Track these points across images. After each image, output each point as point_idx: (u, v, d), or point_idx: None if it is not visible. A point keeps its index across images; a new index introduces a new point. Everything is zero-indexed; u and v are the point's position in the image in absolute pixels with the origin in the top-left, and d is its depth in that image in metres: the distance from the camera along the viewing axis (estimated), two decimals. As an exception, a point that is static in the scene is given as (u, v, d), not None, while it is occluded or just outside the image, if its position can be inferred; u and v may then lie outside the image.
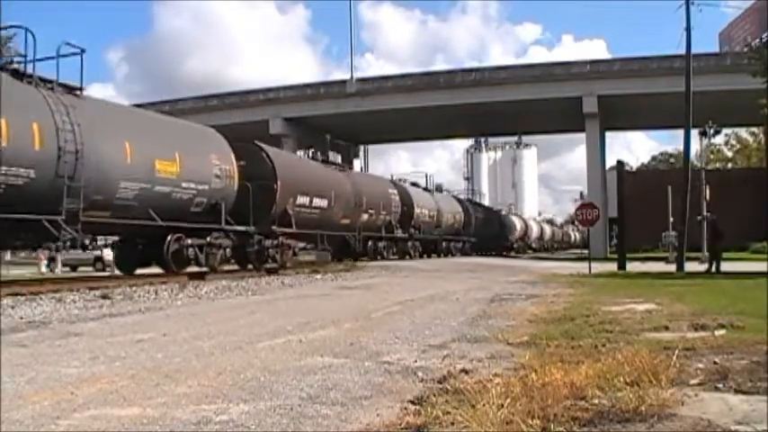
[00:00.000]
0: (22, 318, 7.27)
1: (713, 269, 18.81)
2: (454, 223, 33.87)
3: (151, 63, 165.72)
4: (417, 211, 27.85)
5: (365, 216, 22.52)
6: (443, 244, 32.34)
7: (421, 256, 29.46)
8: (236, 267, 16.60)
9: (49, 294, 9.65)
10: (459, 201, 37.91)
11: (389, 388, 3.83)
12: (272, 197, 16.36)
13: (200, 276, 13.88)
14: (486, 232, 40.30)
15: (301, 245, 18.68)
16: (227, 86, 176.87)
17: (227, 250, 15.19)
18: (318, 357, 4.83)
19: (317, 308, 8.83)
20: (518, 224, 52.39)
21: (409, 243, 27.30)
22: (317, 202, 18.76)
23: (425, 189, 32.26)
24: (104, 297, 9.50)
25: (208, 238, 14.47)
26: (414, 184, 31.15)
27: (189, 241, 14.00)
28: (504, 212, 52.53)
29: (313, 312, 8.09)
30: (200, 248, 14.28)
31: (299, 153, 30.20)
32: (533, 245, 58.44)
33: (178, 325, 6.78)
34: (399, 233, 25.82)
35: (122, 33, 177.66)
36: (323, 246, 20.26)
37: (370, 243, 23.43)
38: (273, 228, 16.55)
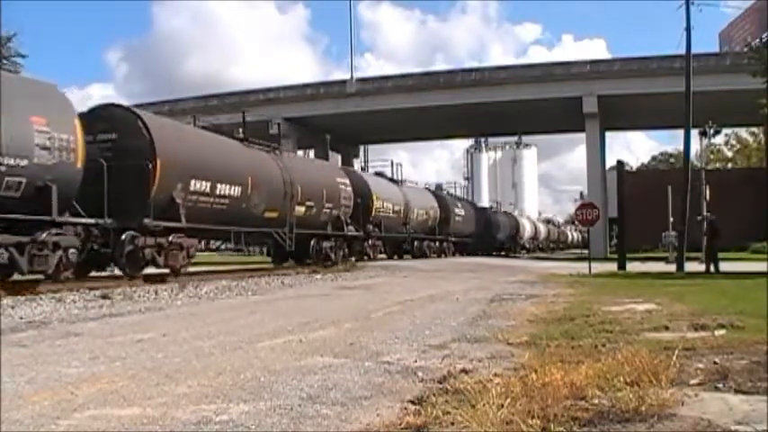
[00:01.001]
0: (22, 318, 7.27)
1: (712, 269, 18.81)
2: (428, 220, 29.92)
3: (151, 63, 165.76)
4: (377, 204, 23.51)
5: (301, 209, 18.07)
6: (416, 243, 28.75)
7: (390, 257, 27.09)
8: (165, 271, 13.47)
9: (49, 294, 9.65)
10: (437, 195, 33.72)
11: (389, 388, 3.83)
12: (147, 180, 12.41)
13: (27, 289, 10.10)
14: (471, 231, 37.18)
15: (197, 244, 14.91)
16: (227, 86, 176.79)
17: (71, 252, 10.90)
18: (318, 357, 4.83)
19: (317, 308, 8.84)
20: (508, 222, 49.01)
21: (369, 242, 23.39)
22: (224, 189, 14.50)
23: (391, 180, 28.35)
24: (104, 297, 9.50)
25: (40, 235, 10.33)
26: (379, 174, 28.01)
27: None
28: (493, 209, 50.01)
29: (313, 312, 8.09)
30: (18, 249, 10.01)
31: (299, 153, 29.84)
32: (526, 245, 55.05)
33: (178, 325, 6.78)
34: (351, 230, 21.02)
35: (122, 33, 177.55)
36: (239, 245, 17.59)
37: (313, 242, 18.97)
38: (146, 221, 12.36)
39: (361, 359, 4.75)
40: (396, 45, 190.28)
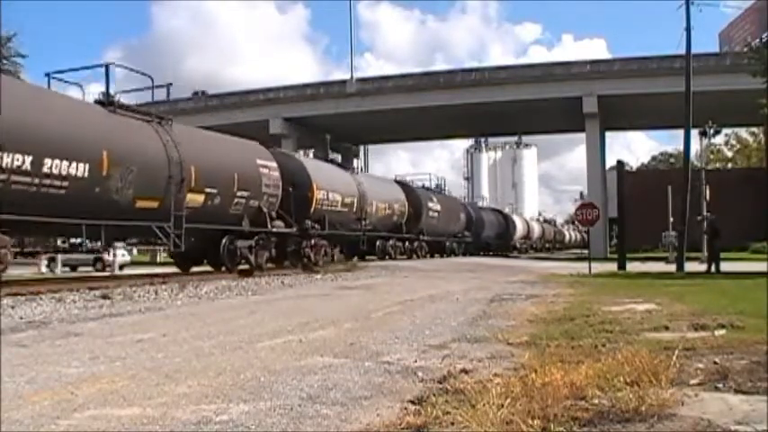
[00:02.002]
0: (22, 318, 7.26)
1: (713, 269, 18.81)
2: (392, 215, 25.45)
3: (150, 63, 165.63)
4: (320, 195, 19.05)
5: (197, 198, 13.81)
6: (378, 243, 24.39)
7: (349, 259, 22.59)
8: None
9: (49, 294, 9.65)
10: (405, 187, 28.89)
11: (389, 388, 3.83)
12: None
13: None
14: (450, 229, 33.35)
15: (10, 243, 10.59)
16: (227, 86, 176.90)
17: None
18: (318, 357, 4.83)
19: (317, 308, 8.83)
20: (496, 220, 45.21)
21: (312, 241, 18.81)
22: (59, 166, 10.64)
23: (340, 166, 24.06)
24: (104, 297, 9.50)
25: None
26: (330, 161, 23.74)
27: None
28: (480, 206, 46.77)
29: (313, 312, 8.09)
30: None
31: (300, 152, 29.31)
32: (518, 245, 50.70)
33: (178, 325, 6.78)
34: (280, 226, 16.91)
35: (121, 33, 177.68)
36: (91, 242, 13.70)
37: (225, 241, 14.95)
38: None
39: (361, 359, 4.75)
40: (395, 45, 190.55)
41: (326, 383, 3.92)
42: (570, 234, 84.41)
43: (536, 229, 60.78)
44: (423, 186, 33.10)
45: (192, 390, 3.76)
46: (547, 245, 66.17)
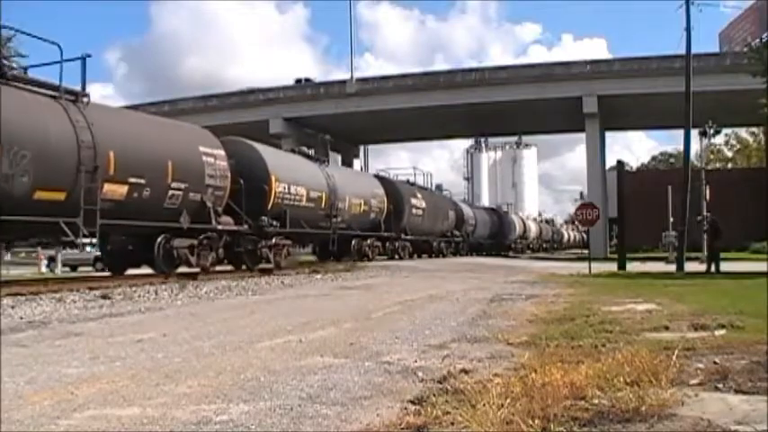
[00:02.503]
0: (22, 318, 7.27)
1: (713, 269, 18.81)
2: (369, 213, 23.11)
3: (150, 63, 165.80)
4: (279, 188, 16.79)
5: (118, 189, 11.96)
6: (354, 242, 21.94)
7: (322, 260, 21.25)
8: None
9: (49, 294, 9.65)
10: (384, 181, 26.23)
11: (389, 388, 3.83)
12: None
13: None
14: (436, 227, 31.08)
15: None
16: (227, 86, 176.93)
17: None
18: (318, 357, 4.83)
19: (317, 308, 8.83)
20: (489, 219, 42.81)
21: (273, 240, 16.69)
22: None
23: (308, 157, 20.72)
24: (104, 297, 9.50)
25: None
26: (297, 152, 20.91)
27: None
28: (472, 204, 43.75)
29: (313, 312, 8.09)
30: None
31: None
32: (513, 245, 48.60)
33: (178, 325, 6.78)
34: (228, 223, 14.85)
35: (121, 33, 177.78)
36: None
37: (160, 240, 13.19)
38: None
39: (361, 359, 4.75)
40: (395, 45, 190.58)
41: (326, 383, 3.92)
42: (569, 234, 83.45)
43: (533, 229, 58.54)
44: (407, 181, 30.35)
45: (192, 390, 3.76)
46: (544, 245, 64.01)
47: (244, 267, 16.15)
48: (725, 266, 18.93)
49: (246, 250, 16.01)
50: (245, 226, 15.41)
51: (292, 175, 17.97)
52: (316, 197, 18.96)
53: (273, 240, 16.70)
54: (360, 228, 22.28)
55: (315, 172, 19.83)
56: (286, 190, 17.24)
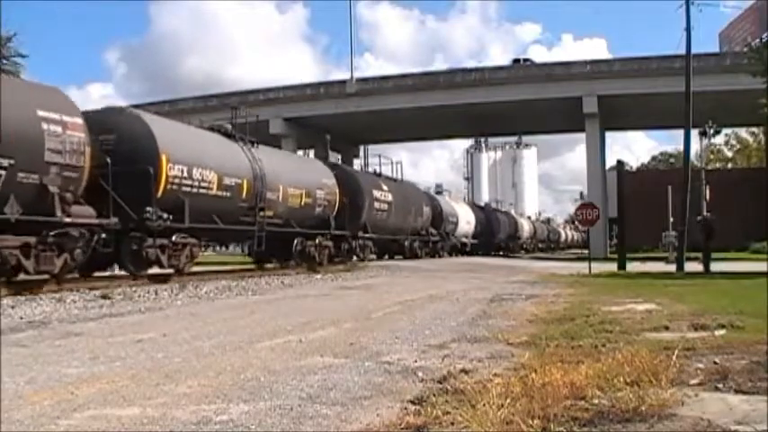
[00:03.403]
0: (22, 318, 7.27)
1: (711, 268, 18.84)
2: (314, 206, 18.90)
3: (150, 63, 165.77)
4: (174, 172, 13.03)
5: None
6: (297, 242, 18.11)
7: (260, 265, 18.44)
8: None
9: (49, 294, 9.65)
10: (340, 171, 22.20)
11: (389, 388, 3.83)
12: None
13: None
14: (410, 225, 27.24)
15: None
16: (227, 86, 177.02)
17: None
18: (318, 357, 4.83)
19: (317, 308, 8.84)
20: (475, 217, 38.75)
21: (175, 239, 13.25)
22: None
23: (226, 135, 16.18)
24: (104, 297, 9.50)
25: None
26: (215, 129, 16.22)
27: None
28: (448, 199, 37.60)
29: (313, 312, 8.09)
30: None
31: (299, 153, 28.25)
32: (503, 245, 45.18)
33: (178, 325, 6.78)
34: (85, 215, 11.19)
35: (120, 33, 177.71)
36: None
37: None
38: None
39: (361, 359, 4.75)
40: (395, 45, 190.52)
41: (326, 383, 3.93)
42: (566, 233, 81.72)
43: (526, 228, 54.71)
44: (373, 172, 27.02)
45: (192, 390, 3.76)
46: (540, 245, 60.75)
47: (126, 273, 12.83)
48: (724, 266, 18.95)
49: (130, 251, 12.42)
50: (115, 219, 11.66)
51: (196, 155, 14.03)
52: (233, 185, 15.04)
53: (174, 238, 13.23)
54: (302, 224, 18.23)
55: (233, 153, 15.70)
56: (184, 174, 13.37)
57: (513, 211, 58.78)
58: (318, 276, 15.84)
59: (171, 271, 13.39)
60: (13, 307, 8.05)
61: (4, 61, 23.41)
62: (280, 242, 17.50)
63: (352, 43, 69.39)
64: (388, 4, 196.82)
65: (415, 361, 4.68)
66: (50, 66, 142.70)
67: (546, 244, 64.45)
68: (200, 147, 14.61)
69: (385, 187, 25.04)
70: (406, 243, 27.09)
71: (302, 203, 18.29)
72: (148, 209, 12.36)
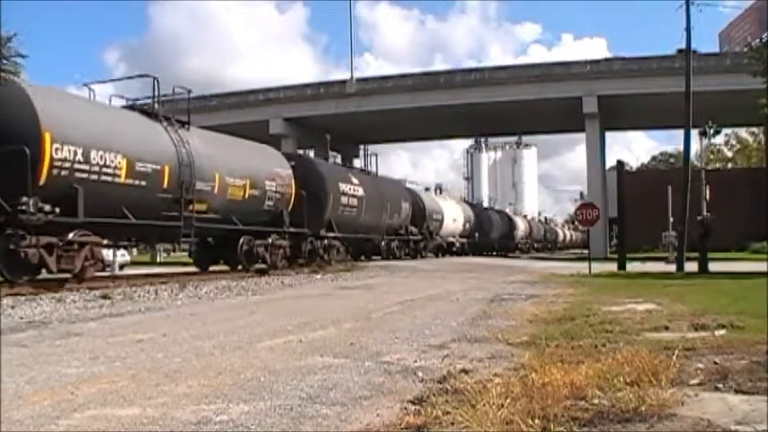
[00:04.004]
0: (22, 318, 7.27)
1: (706, 267, 18.86)
2: (263, 200, 16.22)
3: (149, 63, 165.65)
4: (64, 154, 10.71)
5: None
6: (242, 241, 15.55)
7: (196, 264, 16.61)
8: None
9: (49, 294, 9.64)
10: (300, 161, 19.68)
11: (389, 388, 3.83)
12: None
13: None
14: (385, 223, 24.31)
15: None
16: (227, 86, 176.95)
17: None
18: (318, 357, 4.83)
19: (317, 308, 8.83)
20: (464, 214, 36.18)
21: (59, 237, 10.71)
22: None
23: (142, 112, 13.79)
24: (104, 297, 9.50)
25: None
26: (133, 107, 14.05)
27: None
28: (434, 196, 34.83)
29: (313, 312, 8.09)
30: None
31: (299, 152, 27.70)
32: (496, 245, 42.70)
33: (178, 325, 6.78)
34: None
35: (120, 33, 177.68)
36: None
37: None
38: None
39: (361, 359, 4.75)
40: (394, 45, 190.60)
41: (326, 383, 3.92)
42: (564, 233, 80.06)
43: (521, 227, 51.75)
44: (343, 164, 24.85)
45: (192, 390, 3.76)
46: (536, 245, 58.15)
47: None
48: (722, 267, 18.96)
49: (4, 252, 10.01)
50: None
51: (97, 134, 11.62)
52: (149, 172, 12.58)
53: (71, 236, 10.94)
54: (247, 221, 15.46)
55: (152, 134, 13.11)
56: (78, 157, 11.01)
57: (508, 210, 57.19)
58: (318, 276, 15.83)
59: (67, 276, 11.14)
60: (13, 307, 8.05)
61: (4, 61, 23.42)
62: (227, 242, 15.57)
63: (351, 43, 69.54)
64: (387, 3, 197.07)
65: (415, 361, 4.68)
66: (50, 66, 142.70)
67: (543, 244, 62.29)
68: (104, 125, 12.04)
69: (355, 180, 22.19)
70: (383, 243, 24.36)
71: (246, 196, 15.56)
72: (24, 199, 10.10)
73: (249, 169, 15.92)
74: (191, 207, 13.50)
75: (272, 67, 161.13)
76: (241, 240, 15.62)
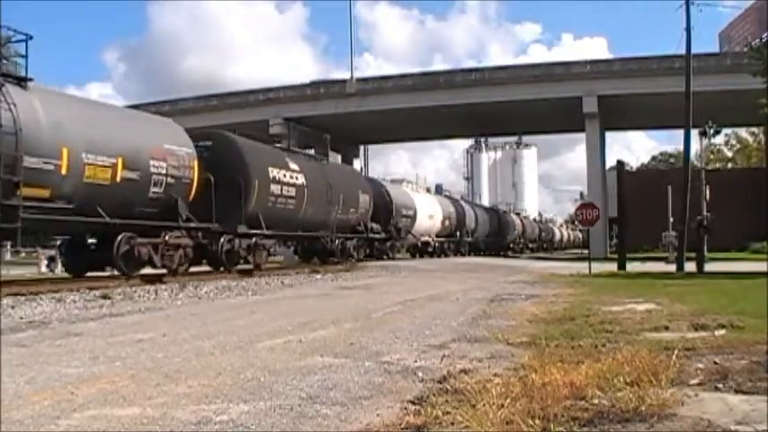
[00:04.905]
0: (22, 318, 7.27)
1: (705, 268, 18.87)
2: (147, 185, 12.71)
3: (149, 63, 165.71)
4: None
5: None
6: (121, 239, 12.01)
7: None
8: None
9: (49, 294, 9.64)
10: (219, 138, 16.21)
11: (389, 388, 3.83)
12: None
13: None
14: (335, 219, 20.12)
15: None
16: (227, 86, 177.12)
17: None
18: (318, 357, 4.83)
19: (317, 308, 8.83)
20: (441, 210, 32.15)
21: None
22: None
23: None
24: (104, 297, 9.50)
25: None
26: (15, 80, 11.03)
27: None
28: (406, 188, 31.57)
29: (313, 312, 8.09)
30: None
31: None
32: (482, 245, 38.58)
33: (178, 325, 6.78)
34: None
35: (119, 33, 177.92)
36: None
37: None
38: None
39: (361, 359, 4.75)
40: (394, 45, 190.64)
41: (326, 383, 3.92)
42: (561, 232, 77.80)
43: (513, 225, 48.02)
44: (288, 148, 20.43)
45: (192, 390, 3.76)
46: (529, 245, 54.13)
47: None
48: (722, 267, 18.96)
49: None
50: None
51: None
52: None
53: None
54: (121, 213, 12.15)
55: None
56: None
57: (499, 206, 54.45)
58: (318, 276, 15.83)
59: None
60: (13, 307, 8.05)
61: (4, 61, 23.40)
62: (103, 241, 12.48)
63: (351, 43, 69.53)
64: (386, 3, 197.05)
65: (415, 361, 4.68)
66: (50, 66, 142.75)
67: (538, 244, 58.70)
68: None
69: (294, 166, 18.05)
70: (337, 242, 20.40)
71: (118, 179, 11.97)
72: None
73: (123, 144, 12.24)
74: (18, 192, 10.06)
75: (272, 67, 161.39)
76: (119, 239, 12.02)
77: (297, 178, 17.99)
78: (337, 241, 20.48)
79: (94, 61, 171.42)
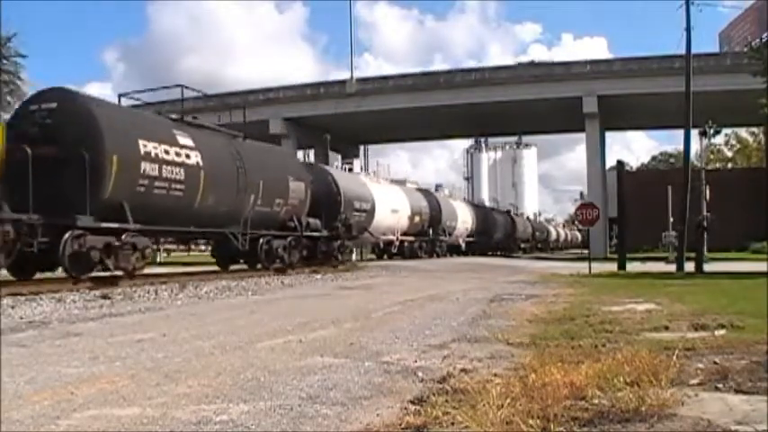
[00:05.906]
0: (22, 318, 7.26)
1: (705, 268, 18.88)
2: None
3: (148, 62, 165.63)
4: None
5: None
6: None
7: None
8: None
9: (49, 294, 9.64)
10: (67, 95, 11.80)
11: (389, 388, 3.83)
12: None
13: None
14: (246, 210, 15.08)
15: None
16: (227, 86, 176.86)
17: None
18: (318, 357, 4.82)
19: (317, 308, 8.83)
20: (419, 207, 28.90)
21: None
22: None
23: None
24: (104, 297, 9.50)
25: None
26: None
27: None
28: (355, 176, 25.88)
29: (313, 312, 8.08)
30: None
31: (299, 152, 26.10)
32: (464, 245, 35.32)
33: (178, 325, 6.78)
34: None
35: (119, 33, 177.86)
36: None
37: None
38: None
39: (361, 359, 4.74)
40: (394, 45, 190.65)
41: (326, 383, 3.92)
42: (558, 232, 76.13)
43: (501, 224, 44.48)
44: (168, 116, 15.27)
45: (192, 390, 3.76)
46: (522, 245, 50.63)
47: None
48: (722, 267, 18.97)
49: None
50: None
51: None
52: None
53: None
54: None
55: None
56: None
57: (487, 202, 51.33)
58: (318, 276, 15.83)
59: None
60: (13, 307, 8.05)
61: (4, 61, 23.43)
62: None
63: (351, 43, 69.55)
64: (386, 3, 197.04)
65: (415, 361, 4.67)
66: (50, 66, 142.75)
67: (531, 244, 54.17)
68: None
69: (185, 141, 13.52)
70: (261, 241, 16.14)
71: None
72: None
73: None
74: None
75: (271, 67, 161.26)
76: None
77: (189, 156, 13.33)
78: (262, 240, 16.16)
79: (94, 61, 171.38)
